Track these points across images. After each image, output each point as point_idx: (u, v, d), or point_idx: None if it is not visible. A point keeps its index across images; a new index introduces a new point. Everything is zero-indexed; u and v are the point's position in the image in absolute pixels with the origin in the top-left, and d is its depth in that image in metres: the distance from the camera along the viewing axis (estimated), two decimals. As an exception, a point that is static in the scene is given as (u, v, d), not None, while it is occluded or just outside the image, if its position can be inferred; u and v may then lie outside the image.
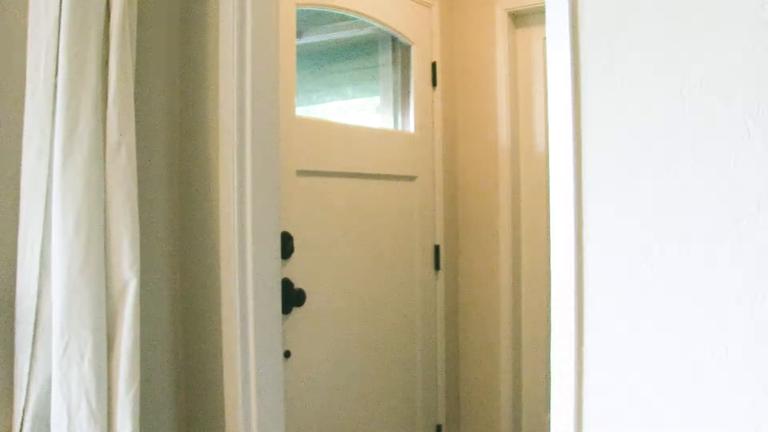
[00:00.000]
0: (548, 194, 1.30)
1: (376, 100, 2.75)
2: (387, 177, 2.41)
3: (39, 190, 1.37)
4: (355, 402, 2.24)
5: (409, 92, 2.60)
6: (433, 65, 2.66)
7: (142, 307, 1.48)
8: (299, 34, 3.90)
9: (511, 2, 2.76)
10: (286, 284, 1.92)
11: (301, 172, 2.04)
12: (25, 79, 1.37)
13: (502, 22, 2.77)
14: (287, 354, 1.94)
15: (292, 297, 1.94)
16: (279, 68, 1.81)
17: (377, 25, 2.47)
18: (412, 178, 2.54)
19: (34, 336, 1.37)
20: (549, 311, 1.31)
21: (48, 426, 1.36)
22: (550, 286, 1.30)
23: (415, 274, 2.55)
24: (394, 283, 2.44)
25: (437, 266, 2.68)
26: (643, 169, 1.18)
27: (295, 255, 1.97)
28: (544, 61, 2.25)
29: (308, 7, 2.20)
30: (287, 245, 1.93)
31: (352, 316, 2.24)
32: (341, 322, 2.19)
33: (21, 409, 1.37)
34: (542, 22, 1.34)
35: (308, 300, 1.99)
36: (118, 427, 1.38)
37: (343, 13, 2.35)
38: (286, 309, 1.92)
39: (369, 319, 2.32)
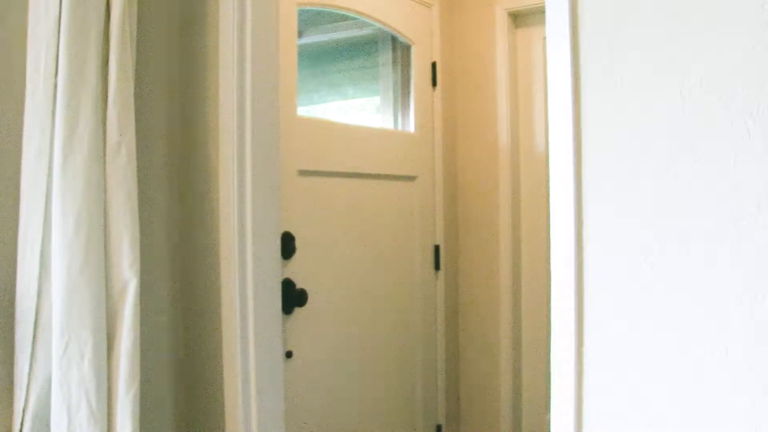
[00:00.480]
0: (548, 194, 1.30)
1: (376, 100, 2.75)
2: (387, 177, 2.41)
3: (39, 190, 1.37)
4: (355, 402, 2.24)
5: (409, 92, 2.60)
6: (433, 65, 2.66)
7: (142, 307, 1.48)
8: (299, 34, 3.89)
9: (511, 2, 2.76)
10: (288, 284, 1.92)
11: (303, 172, 2.03)
12: (25, 79, 1.37)
13: (502, 22, 2.77)
14: (289, 354, 1.94)
15: (293, 297, 1.94)
16: (279, 68, 1.81)
17: (378, 25, 2.47)
18: (412, 178, 2.54)
19: (34, 336, 1.37)
20: (549, 311, 1.31)
21: (48, 426, 1.36)
22: (550, 286, 1.30)
23: (415, 274, 2.55)
24: (395, 283, 2.44)
25: (437, 266, 2.68)
26: (643, 169, 1.18)
27: (296, 255, 1.97)
28: (544, 61, 2.25)
29: (309, 7, 2.20)
30: (289, 245, 1.93)
31: (353, 316, 2.24)
32: (342, 322, 2.19)
33: (21, 409, 1.37)
34: (542, 22, 1.34)
35: (310, 300, 1.99)
36: (118, 427, 1.38)
37: (344, 12, 2.35)
38: (288, 309, 1.91)
39: (370, 319, 2.32)
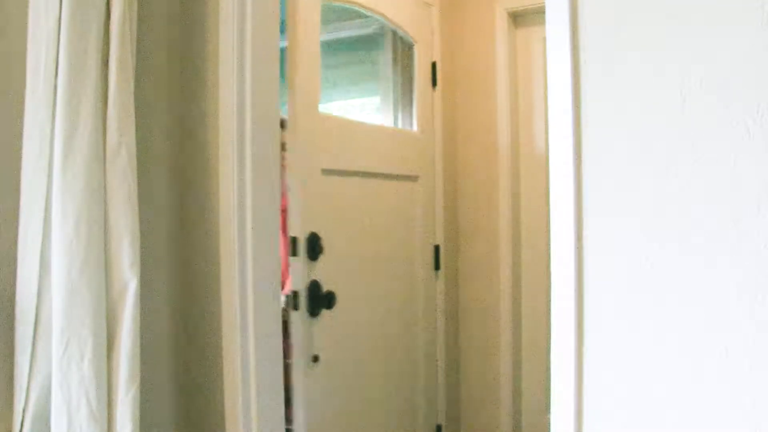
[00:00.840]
0: (548, 194, 1.30)
1: (376, 100, 2.75)
2: (396, 177, 2.40)
3: (39, 190, 1.37)
4: (369, 404, 2.22)
5: (410, 92, 2.60)
6: (433, 65, 2.66)
7: (142, 307, 1.48)
8: (299, 34, 3.88)
9: (511, 2, 2.76)
10: (315, 286, 1.88)
11: (326, 171, 1.99)
12: (25, 79, 1.37)
13: (502, 22, 2.78)
14: (316, 358, 1.90)
15: (320, 299, 1.89)
16: (278, 68, 1.80)
17: (381, 24, 2.46)
18: (416, 178, 2.54)
19: (34, 336, 1.37)
20: (549, 311, 1.31)
21: (48, 426, 1.36)
22: (550, 285, 1.30)
23: (417, 274, 2.55)
24: (399, 283, 2.44)
25: (437, 266, 2.68)
26: (643, 169, 1.18)
27: (322, 256, 1.92)
28: (544, 61, 2.25)
29: (331, 2, 2.15)
30: (315, 246, 1.89)
31: (369, 318, 2.22)
32: (361, 324, 2.17)
33: (21, 409, 1.37)
34: (542, 22, 1.34)
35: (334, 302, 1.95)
36: (118, 427, 1.38)
37: (360, 9, 2.31)
38: (315, 312, 1.88)
39: (381, 320, 2.30)
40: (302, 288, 1.88)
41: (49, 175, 1.36)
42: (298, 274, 1.87)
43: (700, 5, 1.13)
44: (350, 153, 2.14)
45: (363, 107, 2.89)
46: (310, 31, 1.94)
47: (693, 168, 1.13)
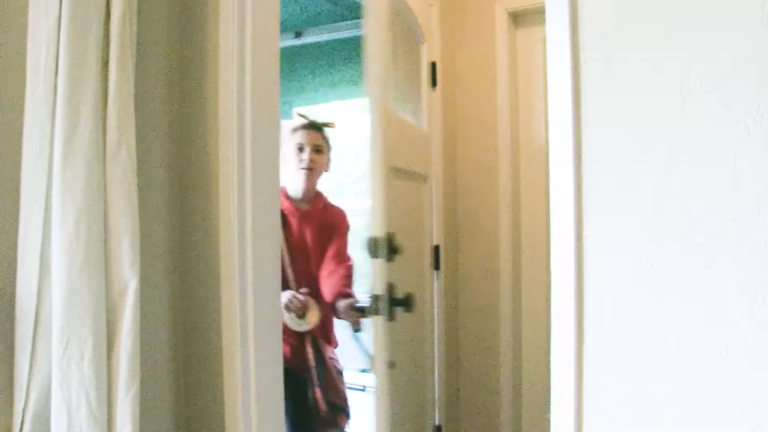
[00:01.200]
0: (548, 194, 1.30)
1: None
2: (418, 176, 2.39)
3: (39, 190, 1.37)
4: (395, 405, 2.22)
5: (412, 91, 2.59)
6: (433, 65, 2.66)
7: (142, 307, 1.48)
8: (299, 34, 3.90)
9: (511, 2, 2.76)
10: (390, 289, 1.82)
11: (393, 170, 1.95)
12: (25, 79, 1.37)
13: (502, 22, 2.78)
14: (392, 365, 1.83)
15: (398, 302, 1.83)
16: (278, 68, 1.79)
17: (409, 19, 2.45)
18: (427, 177, 2.53)
19: (34, 336, 1.37)
20: (549, 311, 1.31)
21: (48, 426, 1.36)
22: (550, 286, 1.30)
23: (421, 275, 2.54)
24: (412, 284, 2.43)
25: (437, 266, 2.68)
26: (643, 168, 1.19)
27: (397, 257, 1.85)
28: (544, 61, 2.25)
29: None
30: (391, 247, 1.81)
31: (416, 320, 2.20)
32: (415, 326, 2.16)
33: (21, 409, 1.37)
34: (542, 22, 1.34)
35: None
36: (118, 427, 1.38)
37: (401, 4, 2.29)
38: (392, 315, 1.82)
39: (411, 322, 2.30)
40: (382, 291, 1.80)
41: (49, 175, 1.36)
42: (378, 276, 1.80)
43: (700, 5, 1.13)
44: (404, 151, 2.11)
45: (363, 107, 2.89)
46: (379, 26, 1.87)
47: (693, 168, 1.14)
